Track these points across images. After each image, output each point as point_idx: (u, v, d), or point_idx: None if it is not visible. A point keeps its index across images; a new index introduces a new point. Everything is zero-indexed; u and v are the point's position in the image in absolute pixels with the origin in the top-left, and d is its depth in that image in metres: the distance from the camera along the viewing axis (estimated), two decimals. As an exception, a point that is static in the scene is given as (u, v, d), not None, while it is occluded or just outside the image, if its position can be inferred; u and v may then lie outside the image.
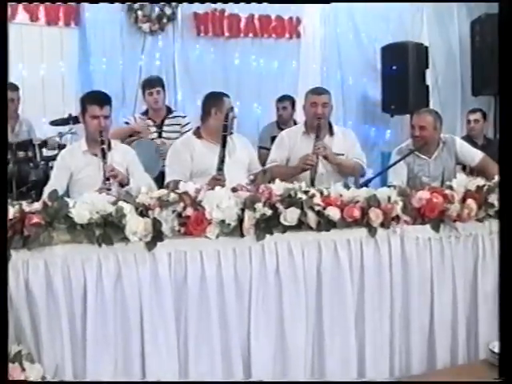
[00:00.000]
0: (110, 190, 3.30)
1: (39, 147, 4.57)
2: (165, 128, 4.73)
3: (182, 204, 2.29)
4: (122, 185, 3.44)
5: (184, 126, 4.72)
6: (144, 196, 2.31)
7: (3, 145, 2.16)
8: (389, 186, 3.51)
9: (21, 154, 4.46)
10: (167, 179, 3.71)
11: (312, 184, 3.63)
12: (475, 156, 4.10)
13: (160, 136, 4.68)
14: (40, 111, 5.35)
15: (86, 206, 2.20)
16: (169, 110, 4.86)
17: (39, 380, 2.11)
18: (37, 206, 2.20)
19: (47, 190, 3.65)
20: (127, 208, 2.24)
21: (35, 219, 2.14)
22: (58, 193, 2.29)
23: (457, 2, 6.43)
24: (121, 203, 2.25)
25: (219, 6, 5.86)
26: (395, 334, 2.68)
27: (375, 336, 2.62)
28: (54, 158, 4.67)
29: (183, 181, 3.45)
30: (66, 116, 4.78)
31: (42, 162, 4.61)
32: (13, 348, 2.12)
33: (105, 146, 3.48)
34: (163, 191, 2.33)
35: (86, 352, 2.21)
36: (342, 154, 3.91)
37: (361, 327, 2.61)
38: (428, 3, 6.35)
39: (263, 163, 4.07)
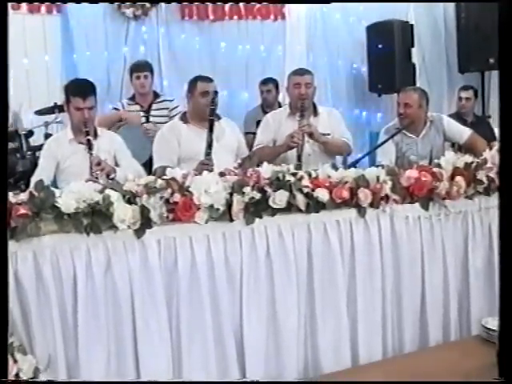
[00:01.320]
0: (97, 178, 3.28)
1: (25, 137, 4.52)
2: (152, 112, 4.72)
3: (169, 190, 2.28)
4: (108, 176, 3.40)
5: (172, 109, 4.71)
6: (131, 183, 2.29)
7: (3, 141, 2.12)
8: (377, 166, 3.52)
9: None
10: (155, 165, 3.69)
11: (299, 160, 3.65)
12: (463, 133, 4.12)
13: (148, 121, 4.66)
14: (25, 101, 5.27)
15: (72, 196, 2.18)
16: (156, 95, 4.84)
17: (31, 372, 2.09)
18: (23, 196, 2.18)
19: (34, 179, 3.62)
20: (114, 196, 2.22)
21: (22, 210, 2.12)
22: (43, 183, 2.26)
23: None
24: (108, 191, 2.23)
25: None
26: (387, 313, 2.69)
27: (367, 315, 2.63)
28: (40, 147, 4.63)
29: (171, 166, 3.46)
30: (51, 105, 4.72)
31: (29, 153, 4.57)
32: (4, 340, 2.11)
33: (90, 137, 3.44)
34: (150, 178, 2.31)
35: (78, 341, 2.20)
36: (328, 134, 3.91)
37: (353, 307, 2.62)
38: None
39: (250, 148, 4.05)
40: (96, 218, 2.19)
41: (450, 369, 2.43)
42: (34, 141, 4.70)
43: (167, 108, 4.73)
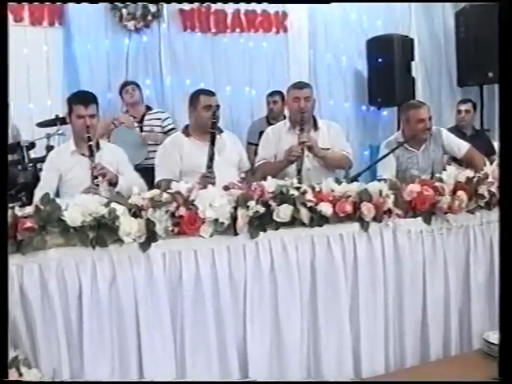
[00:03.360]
0: (97, 186, 3.31)
1: (27, 149, 4.54)
2: (145, 122, 4.92)
3: (174, 204, 2.29)
4: (110, 183, 3.43)
5: (164, 120, 4.83)
6: (136, 197, 2.31)
7: (3, 150, 2.14)
8: (379, 180, 3.55)
9: (9, 156, 4.42)
10: (157, 178, 3.70)
11: (299, 174, 3.65)
12: (461, 147, 4.14)
13: (141, 130, 4.78)
14: (27, 113, 5.30)
15: (78, 209, 2.19)
16: (148, 108, 4.97)
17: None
18: (29, 210, 2.19)
19: (38, 192, 3.64)
20: (120, 209, 2.23)
21: (28, 223, 2.13)
22: (49, 196, 2.28)
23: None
24: (113, 205, 2.25)
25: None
26: (389, 326, 2.70)
27: (369, 328, 2.65)
28: (41, 159, 4.66)
29: (173, 179, 3.48)
30: (52, 117, 4.75)
31: (30, 164, 4.59)
32: (9, 353, 2.11)
33: (92, 143, 3.47)
34: (156, 191, 2.32)
35: (83, 354, 2.21)
36: (328, 149, 3.91)
37: (355, 320, 2.63)
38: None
39: (252, 159, 4.08)
40: (102, 232, 2.21)
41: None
42: (36, 152, 4.72)
43: (160, 119, 4.87)
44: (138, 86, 5.11)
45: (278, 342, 2.50)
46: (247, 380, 2.44)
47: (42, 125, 4.82)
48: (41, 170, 4.63)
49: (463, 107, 5.62)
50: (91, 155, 3.44)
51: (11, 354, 2.12)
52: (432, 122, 4.13)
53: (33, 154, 4.70)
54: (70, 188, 3.40)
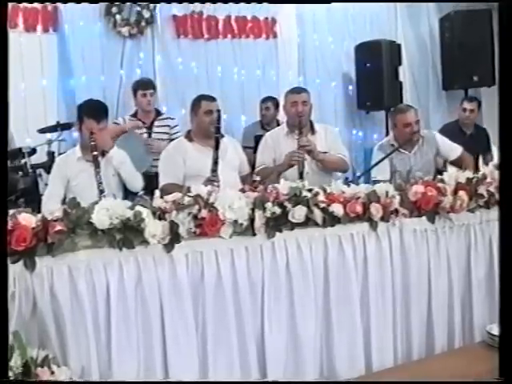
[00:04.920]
0: (102, 192, 3.39)
1: (28, 155, 4.58)
2: (154, 129, 4.80)
3: (196, 206, 2.39)
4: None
5: (173, 127, 4.80)
6: (159, 200, 2.41)
7: (3, 154, 2.20)
8: (374, 182, 3.69)
9: (10, 162, 4.46)
10: (162, 183, 3.78)
11: (301, 177, 3.73)
12: (455, 150, 4.28)
13: (149, 136, 4.73)
14: (21, 120, 5.32)
15: (105, 212, 2.28)
16: (158, 113, 4.92)
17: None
18: (58, 213, 2.27)
19: (45, 198, 3.71)
20: (144, 212, 2.33)
21: (58, 226, 2.21)
22: (76, 200, 2.36)
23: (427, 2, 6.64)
24: (138, 208, 2.34)
25: (197, 7, 5.93)
26: (397, 320, 2.83)
27: (379, 323, 2.77)
28: (42, 165, 4.71)
29: (177, 183, 3.58)
30: (54, 123, 4.80)
31: (31, 170, 4.63)
32: (39, 353, 2.18)
33: (97, 153, 3.54)
34: (178, 195, 2.42)
35: (111, 353, 2.30)
36: (325, 152, 4.02)
37: (365, 315, 2.76)
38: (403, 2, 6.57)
39: (250, 163, 4.17)
40: (128, 234, 2.30)
41: (458, 374, 2.57)
42: (37, 159, 4.76)
43: (169, 126, 4.82)
44: (154, 88, 4.95)
45: (294, 337, 2.61)
46: (248, 381, 2.54)
47: (43, 131, 4.86)
48: (41, 175, 4.70)
49: (469, 106, 5.43)
50: (97, 166, 3.51)
51: (41, 353, 2.20)
52: (419, 125, 4.26)
53: (33, 160, 4.73)
54: (76, 194, 3.45)
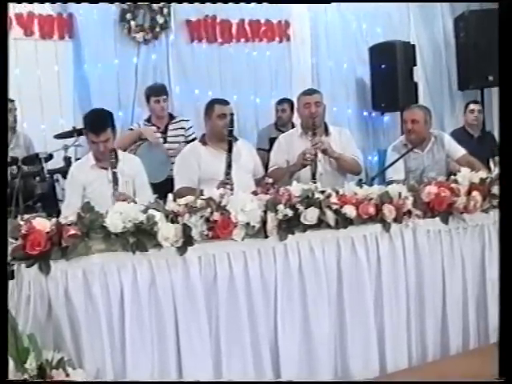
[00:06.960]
0: None
1: (45, 161, 4.63)
2: (169, 133, 4.79)
3: (209, 209, 2.41)
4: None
5: (188, 129, 4.82)
6: (172, 203, 2.43)
7: (3, 158, 2.23)
8: (390, 182, 3.67)
9: (27, 168, 4.51)
10: (177, 186, 3.80)
11: (313, 178, 3.71)
12: (458, 151, 4.26)
13: (165, 141, 4.75)
14: (39, 125, 5.40)
15: (118, 216, 2.31)
16: (171, 117, 4.94)
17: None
18: (72, 218, 2.31)
19: (64, 208, 3.70)
20: (157, 216, 2.35)
21: (72, 231, 2.25)
22: (89, 204, 2.39)
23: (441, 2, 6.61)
24: (151, 211, 2.36)
25: (210, 11, 5.96)
26: (411, 322, 2.84)
27: (393, 324, 2.78)
28: (58, 170, 4.77)
29: (192, 187, 3.59)
30: (70, 129, 4.84)
31: (48, 176, 4.68)
32: (54, 356, 2.21)
33: (116, 170, 3.47)
34: (190, 198, 2.44)
35: (126, 355, 2.33)
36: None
37: (379, 317, 2.76)
38: (414, 3, 6.54)
39: (264, 165, 4.18)
40: (141, 237, 2.33)
41: (472, 375, 2.55)
42: (54, 164, 4.82)
43: (183, 128, 4.83)
44: (167, 93, 4.94)
45: (307, 337, 2.63)
46: (249, 381, 2.55)
47: (59, 136, 4.90)
48: (58, 180, 4.75)
49: (476, 107, 5.54)
50: (115, 183, 3.44)
51: (56, 356, 2.22)
52: (429, 124, 4.25)
53: (50, 165, 4.78)
54: (91, 200, 3.47)
